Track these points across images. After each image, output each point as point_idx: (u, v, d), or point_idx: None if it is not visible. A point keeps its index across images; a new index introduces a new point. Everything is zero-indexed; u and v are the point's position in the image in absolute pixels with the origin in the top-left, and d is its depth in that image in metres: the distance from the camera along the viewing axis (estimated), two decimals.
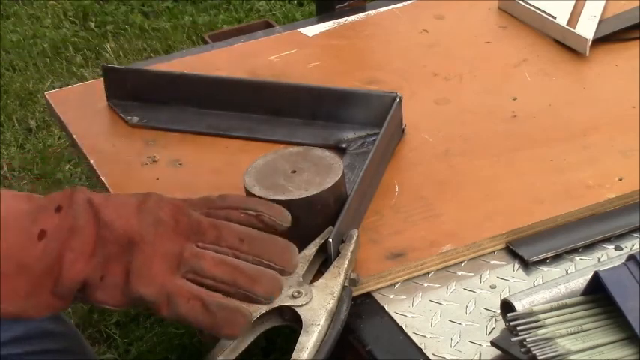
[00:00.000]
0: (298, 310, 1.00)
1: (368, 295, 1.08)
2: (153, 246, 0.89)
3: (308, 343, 0.97)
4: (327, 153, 1.15)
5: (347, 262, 1.05)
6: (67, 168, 2.55)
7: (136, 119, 1.36)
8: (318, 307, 1.00)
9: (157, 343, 1.94)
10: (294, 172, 1.12)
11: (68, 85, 2.68)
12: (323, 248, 1.07)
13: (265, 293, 0.91)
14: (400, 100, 1.28)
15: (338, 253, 1.07)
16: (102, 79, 1.41)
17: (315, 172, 1.12)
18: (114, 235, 0.89)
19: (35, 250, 0.87)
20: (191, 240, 0.91)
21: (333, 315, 1.00)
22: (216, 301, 0.89)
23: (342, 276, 1.04)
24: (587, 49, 1.45)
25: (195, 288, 0.89)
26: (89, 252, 0.88)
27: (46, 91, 2.36)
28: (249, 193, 1.10)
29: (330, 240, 1.06)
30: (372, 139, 1.27)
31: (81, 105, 1.41)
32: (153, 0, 3.22)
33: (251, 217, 0.96)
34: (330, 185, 1.10)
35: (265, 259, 0.92)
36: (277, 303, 1.00)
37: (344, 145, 1.28)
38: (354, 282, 1.06)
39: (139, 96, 1.38)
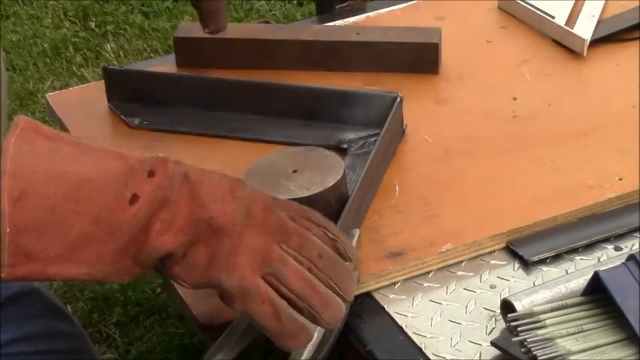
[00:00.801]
0: None
1: (368, 294, 1.08)
2: (241, 238, 0.89)
3: (307, 343, 0.97)
4: (328, 152, 1.15)
5: None
6: None
7: (137, 121, 1.36)
8: None
9: (156, 343, 1.94)
10: (295, 171, 1.12)
11: (68, 85, 2.69)
12: None
13: (330, 319, 0.93)
14: (401, 101, 1.28)
15: None
16: (102, 80, 1.41)
17: (316, 171, 1.12)
18: (206, 217, 0.88)
19: (126, 215, 0.85)
20: (276, 240, 0.91)
21: None
22: (289, 313, 0.91)
23: None
24: (585, 49, 1.45)
25: (271, 292, 0.90)
26: (178, 227, 0.87)
27: (46, 91, 2.35)
28: None
29: None
30: (372, 139, 1.27)
31: (81, 107, 1.41)
32: (153, 0, 3.22)
33: (329, 239, 0.96)
34: (331, 184, 1.10)
35: (333, 283, 0.93)
36: None
37: (345, 146, 1.28)
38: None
39: (140, 97, 1.38)
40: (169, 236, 0.87)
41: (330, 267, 0.93)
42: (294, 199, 1.06)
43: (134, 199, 0.85)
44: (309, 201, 1.07)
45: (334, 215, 1.09)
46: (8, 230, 0.82)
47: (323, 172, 1.12)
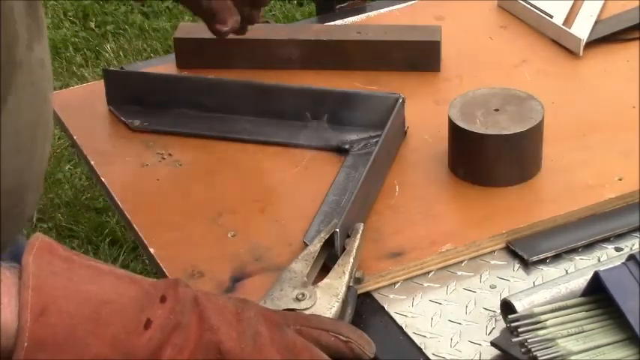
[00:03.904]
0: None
1: (368, 294, 1.08)
2: (259, 354, 0.90)
3: None
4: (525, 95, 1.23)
5: (352, 259, 1.05)
6: (67, 168, 2.56)
7: (137, 122, 1.36)
8: (322, 310, 1.00)
9: None
10: (497, 110, 1.21)
11: (68, 85, 2.69)
12: (328, 243, 1.07)
13: None
14: (403, 102, 1.28)
15: (343, 249, 1.07)
16: (102, 80, 1.41)
17: (513, 117, 1.20)
18: (216, 341, 0.88)
19: (141, 340, 0.86)
20: (284, 358, 0.91)
21: (338, 318, 1.00)
22: None
23: (347, 275, 1.04)
24: (581, 49, 1.45)
25: None
26: (190, 352, 0.87)
27: None
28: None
29: (337, 230, 1.06)
30: (374, 140, 1.27)
31: (82, 107, 1.41)
32: (153, 0, 3.23)
33: (341, 342, 0.95)
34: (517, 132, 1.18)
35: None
36: (282, 306, 1.00)
37: (347, 147, 1.28)
38: (358, 281, 1.06)
39: (140, 99, 1.38)
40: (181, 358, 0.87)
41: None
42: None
43: (148, 323, 0.86)
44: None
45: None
46: (26, 345, 0.82)
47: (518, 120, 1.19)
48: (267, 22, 1.53)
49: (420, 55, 1.43)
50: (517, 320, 0.95)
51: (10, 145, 0.98)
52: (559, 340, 0.93)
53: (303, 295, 1.01)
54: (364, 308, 1.07)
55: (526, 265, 1.11)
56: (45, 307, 0.83)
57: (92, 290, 0.86)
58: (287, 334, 0.93)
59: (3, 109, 0.96)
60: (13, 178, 1.00)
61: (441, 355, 1.01)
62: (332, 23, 1.56)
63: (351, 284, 1.04)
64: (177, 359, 0.86)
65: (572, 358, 0.92)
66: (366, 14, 1.60)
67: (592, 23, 1.50)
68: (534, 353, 0.92)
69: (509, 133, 1.18)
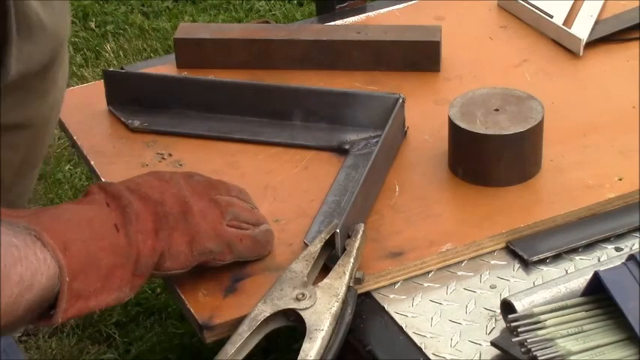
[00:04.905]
0: (302, 313, 1.00)
1: (368, 294, 1.08)
2: (199, 205, 1.05)
3: (312, 350, 0.97)
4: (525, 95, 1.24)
5: (352, 260, 1.05)
6: (67, 168, 2.55)
7: (137, 123, 1.36)
8: (322, 310, 1.00)
9: (156, 343, 1.94)
10: (497, 110, 1.21)
11: (68, 85, 2.69)
12: (328, 244, 1.07)
13: (270, 229, 1.13)
14: (403, 102, 1.28)
15: (344, 249, 1.07)
16: (102, 81, 1.41)
17: (513, 117, 1.20)
18: (168, 209, 1.02)
19: (120, 240, 0.98)
20: (213, 194, 1.09)
21: (338, 318, 1.00)
22: (258, 233, 1.10)
23: (347, 276, 1.04)
24: (581, 49, 1.45)
25: (239, 230, 1.08)
26: (154, 229, 1.01)
27: None
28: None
29: (338, 231, 1.06)
30: (374, 140, 1.27)
31: (82, 107, 1.41)
32: (153, 0, 3.22)
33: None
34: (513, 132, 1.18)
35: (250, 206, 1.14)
36: (282, 306, 1.00)
37: (347, 147, 1.28)
38: (359, 281, 1.06)
39: (140, 100, 1.38)
40: (151, 240, 1.00)
41: (245, 196, 1.14)
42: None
43: (115, 227, 0.99)
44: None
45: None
46: (68, 279, 0.92)
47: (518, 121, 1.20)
48: (267, 22, 1.53)
49: (420, 55, 1.43)
50: (517, 320, 0.95)
51: None
52: (559, 340, 0.93)
53: (303, 294, 1.01)
54: (364, 308, 1.07)
55: (526, 265, 1.11)
56: (64, 242, 0.93)
57: (76, 214, 0.98)
58: (198, 175, 1.11)
59: None
60: None
61: (441, 355, 1.01)
62: (332, 23, 1.56)
63: (351, 284, 1.04)
64: (149, 239, 1.00)
65: (572, 358, 0.92)
66: (366, 14, 1.60)
67: (592, 23, 1.50)
68: (534, 353, 0.92)
69: (509, 133, 1.18)
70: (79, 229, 0.96)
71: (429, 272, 1.11)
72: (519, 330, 0.94)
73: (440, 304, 1.07)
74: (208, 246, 1.05)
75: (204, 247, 1.04)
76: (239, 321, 1.01)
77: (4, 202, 1.00)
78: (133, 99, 1.38)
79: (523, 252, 1.12)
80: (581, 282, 1.01)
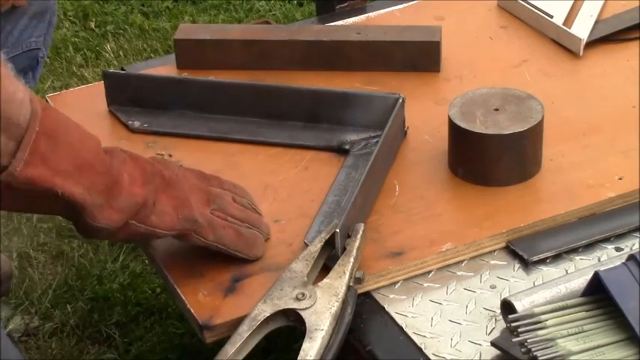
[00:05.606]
0: (302, 313, 1.00)
1: (368, 294, 1.08)
2: (188, 183, 1.08)
3: (311, 350, 0.97)
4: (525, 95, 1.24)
5: (352, 259, 1.05)
6: None
7: (137, 124, 1.36)
8: (322, 310, 1.00)
9: (156, 343, 1.94)
10: (497, 110, 1.21)
11: (68, 85, 2.69)
12: (328, 244, 1.07)
13: (266, 230, 1.15)
14: (403, 102, 1.28)
15: (344, 249, 1.07)
16: (102, 81, 1.41)
17: (513, 117, 1.20)
18: (158, 170, 1.05)
19: (105, 159, 0.99)
20: (205, 184, 1.11)
21: (338, 318, 1.00)
22: (244, 229, 1.11)
23: (347, 275, 1.04)
24: (581, 49, 1.45)
25: (224, 220, 1.09)
26: (142, 180, 1.02)
27: (46, 91, 2.35)
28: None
29: (338, 231, 1.06)
30: (374, 140, 1.27)
31: (82, 108, 1.41)
32: (153, 0, 3.22)
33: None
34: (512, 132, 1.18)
35: (248, 205, 1.15)
36: (282, 306, 1.00)
37: (347, 147, 1.28)
38: (359, 281, 1.06)
39: (140, 100, 1.38)
40: (137, 188, 1.02)
41: (241, 193, 1.15)
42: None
43: (105, 152, 1.01)
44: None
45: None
46: (37, 129, 0.92)
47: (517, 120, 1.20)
48: (267, 22, 1.53)
49: (420, 55, 1.43)
50: (517, 320, 0.95)
51: None
52: (559, 340, 0.93)
53: (303, 294, 1.01)
54: (364, 308, 1.07)
55: (526, 265, 1.11)
56: (46, 106, 0.95)
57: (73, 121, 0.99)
58: (194, 169, 1.14)
59: None
60: None
61: (441, 355, 1.01)
62: (332, 24, 1.56)
63: (351, 284, 1.04)
64: (135, 186, 1.01)
65: (572, 358, 0.92)
66: (366, 15, 1.60)
67: (592, 23, 1.50)
68: (534, 353, 0.92)
69: (509, 132, 1.18)
70: (68, 120, 0.97)
71: (429, 272, 1.11)
72: (519, 330, 0.94)
73: (440, 304, 1.07)
74: (194, 214, 1.05)
75: (190, 215, 1.05)
76: (239, 321, 1.02)
77: None
78: (133, 100, 1.38)
79: (523, 252, 1.12)
80: (581, 282, 1.01)
